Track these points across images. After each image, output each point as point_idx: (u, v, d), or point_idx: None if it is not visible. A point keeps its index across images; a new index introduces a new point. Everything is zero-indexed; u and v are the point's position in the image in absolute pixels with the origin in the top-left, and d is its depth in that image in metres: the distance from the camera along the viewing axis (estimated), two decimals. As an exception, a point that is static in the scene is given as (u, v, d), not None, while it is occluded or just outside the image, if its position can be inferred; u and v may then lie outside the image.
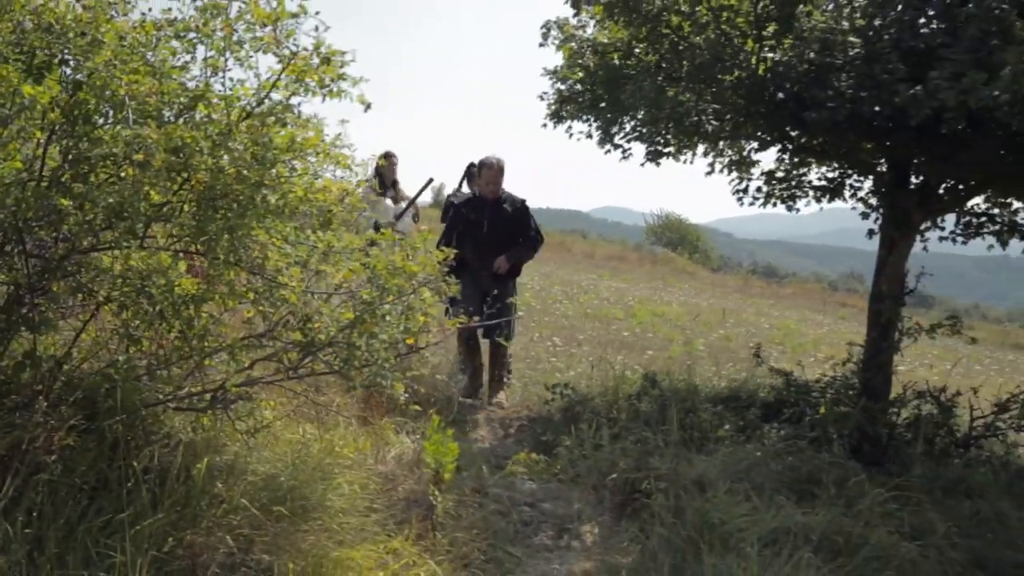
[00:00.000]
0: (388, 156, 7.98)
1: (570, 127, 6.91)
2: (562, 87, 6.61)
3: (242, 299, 3.78)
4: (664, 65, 5.81)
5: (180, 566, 3.21)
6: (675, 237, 42.16)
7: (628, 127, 6.31)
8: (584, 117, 6.50)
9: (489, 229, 6.92)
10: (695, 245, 42.31)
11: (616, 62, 6.11)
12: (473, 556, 3.77)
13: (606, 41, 6.17)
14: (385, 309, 3.37)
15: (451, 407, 5.92)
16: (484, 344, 7.32)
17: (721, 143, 6.41)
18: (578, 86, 6.40)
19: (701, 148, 6.45)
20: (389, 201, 8.32)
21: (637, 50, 6.04)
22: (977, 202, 6.23)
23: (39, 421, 3.43)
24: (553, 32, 6.56)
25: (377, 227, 6.63)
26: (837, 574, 3.86)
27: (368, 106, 3.62)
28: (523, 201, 7.13)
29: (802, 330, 17.47)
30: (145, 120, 3.08)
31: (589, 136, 6.62)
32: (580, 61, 6.32)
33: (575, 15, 6.24)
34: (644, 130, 6.20)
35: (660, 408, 6.21)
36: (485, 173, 6.99)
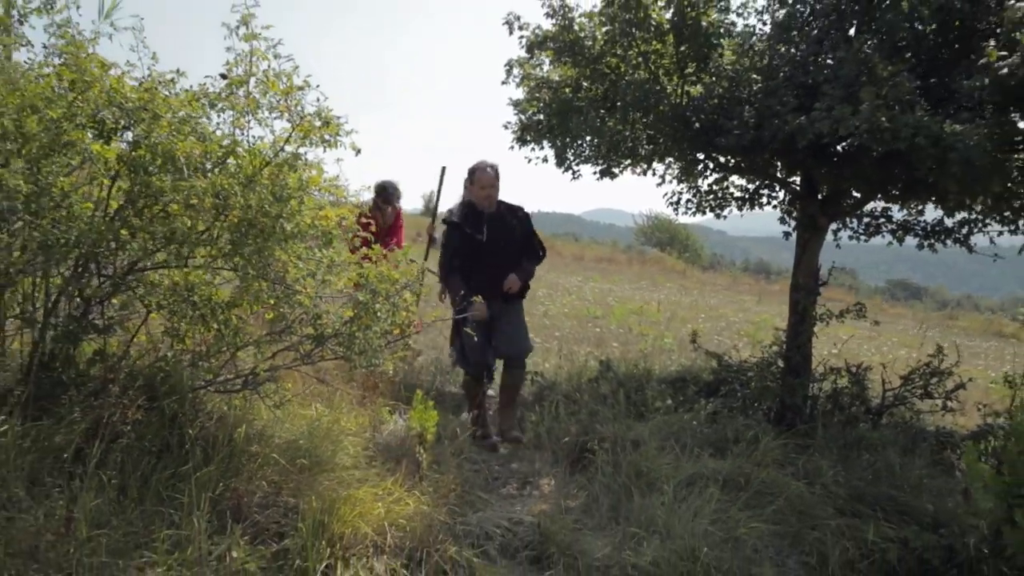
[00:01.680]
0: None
1: (533, 149, 7.96)
2: (523, 117, 7.67)
3: (265, 304, 4.88)
4: (605, 99, 6.90)
5: (229, 505, 4.28)
6: (665, 237, 42.93)
7: (578, 152, 7.38)
8: (542, 143, 7.56)
9: (491, 244, 6.28)
10: (685, 244, 43.21)
11: (567, 95, 7.20)
12: (451, 497, 4.83)
13: (558, 79, 7.25)
14: (377, 308, 4.45)
15: (437, 392, 7.03)
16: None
17: (655, 163, 7.49)
18: (537, 116, 7.47)
19: (640, 167, 7.54)
20: None
21: (585, 84, 7.12)
22: (875, 206, 7.35)
23: (112, 402, 4.51)
24: (515, 70, 7.65)
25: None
26: (734, 503, 4.97)
27: (358, 151, 4.71)
28: (523, 210, 6.54)
29: (775, 323, 18.52)
30: (193, 172, 4.17)
31: (546, 160, 7.68)
32: (537, 95, 7.41)
33: (530, 58, 7.34)
34: (591, 153, 7.26)
35: (615, 388, 7.33)
36: (480, 178, 6.31)
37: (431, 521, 4.43)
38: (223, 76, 4.36)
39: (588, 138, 7.02)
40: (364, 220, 5.06)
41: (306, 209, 4.51)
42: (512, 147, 8.17)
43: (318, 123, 4.33)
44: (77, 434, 4.24)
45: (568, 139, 7.15)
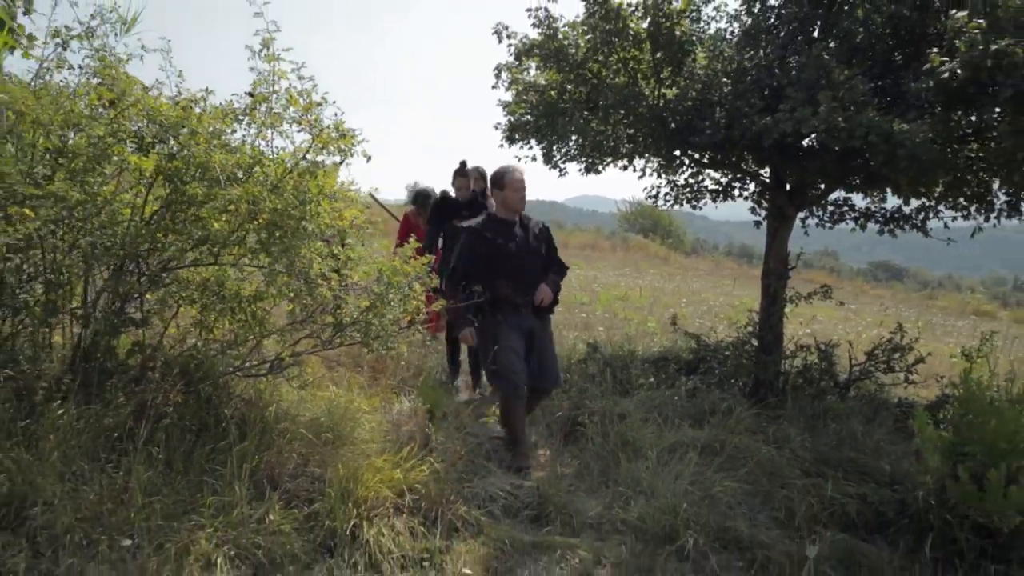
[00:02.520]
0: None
1: (521, 147, 8.52)
2: (512, 118, 8.21)
3: (285, 296, 5.42)
4: (588, 101, 7.47)
5: (264, 475, 4.83)
6: (648, 223, 43.27)
7: (564, 150, 7.93)
8: (530, 143, 8.11)
9: (522, 255, 6.04)
10: (668, 230, 43.69)
11: (553, 98, 7.74)
12: (458, 466, 5.39)
13: (544, 83, 7.81)
14: (390, 298, 5.01)
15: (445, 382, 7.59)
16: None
17: (635, 159, 8.06)
18: (525, 117, 8.01)
19: (621, 163, 8.11)
20: None
21: (569, 87, 7.67)
22: (839, 196, 7.97)
23: (154, 387, 5.05)
24: (503, 75, 8.19)
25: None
26: (710, 466, 5.56)
27: (369, 158, 5.27)
28: (544, 224, 6.32)
29: (753, 305, 19.10)
30: (227, 181, 4.72)
31: (535, 159, 8.23)
32: (525, 98, 7.95)
33: (518, 64, 7.89)
34: (576, 152, 7.82)
35: (602, 368, 7.92)
36: (511, 182, 6.04)
37: (442, 486, 4.99)
38: (250, 95, 4.90)
39: (574, 138, 7.57)
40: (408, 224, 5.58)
41: (323, 211, 5.06)
42: (502, 145, 8.71)
43: (335, 135, 4.88)
44: (125, 416, 4.77)
45: (555, 138, 7.69)
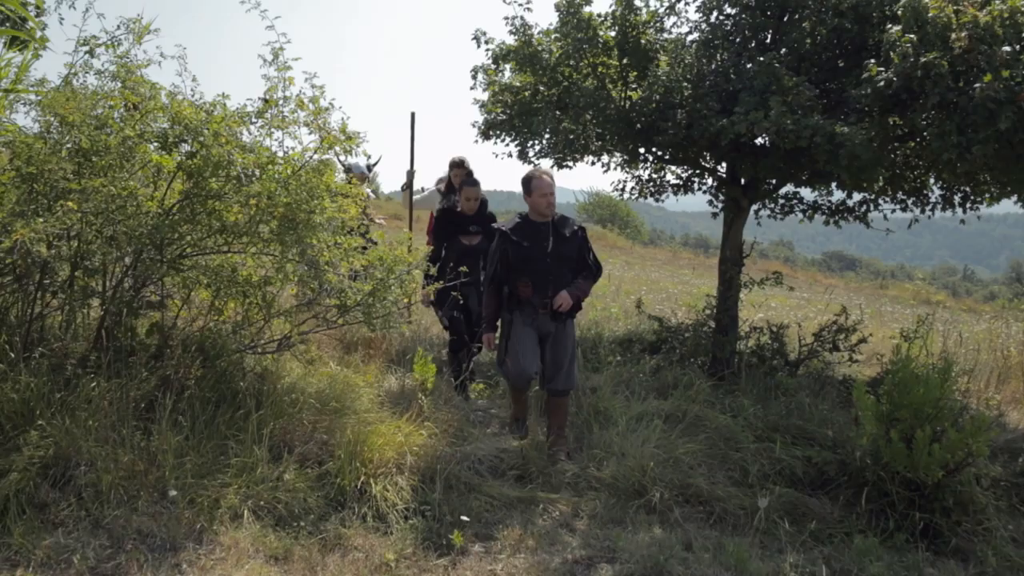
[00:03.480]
0: (460, 164, 8.48)
1: (496, 143, 9.05)
2: (488, 116, 8.77)
3: (289, 280, 5.97)
4: (560, 101, 8.09)
5: (278, 440, 5.39)
6: (606, 214, 43.89)
7: (538, 147, 8.51)
8: (506, 140, 8.68)
9: (550, 259, 6.03)
10: (626, 220, 44.33)
11: (527, 99, 8.32)
12: (450, 432, 5.97)
13: (519, 84, 8.40)
14: (391, 282, 5.61)
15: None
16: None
17: (604, 156, 8.68)
18: (500, 117, 8.57)
19: (590, 159, 8.72)
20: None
21: (541, 88, 8.27)
22: (788, 189, 8.69)
23: (175, 363, 5.60)
24: (480, 76, 8.76)
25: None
26: (673, 432, 6.22)
27: (369, 158, 5.87)
28: (580, 225, 6.29)
29: (711, 291, 19.86)
30: (246, 177, 5.27)
31: (510, 155, 8.79)
32: (500, 98, 8.54)
33: (495, 67, 8.48)
34: (548, 148, 8.40)
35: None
36: (539, 186, 6.04)
37: (437, 449, 5.60)
38: (265, 100, 5.46)
39: (547, 136, 8.16)
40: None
41: (327, 205, 5.63)
42: (476, 141, 9.28)
43: (342, 137, 5.45)
44: (150, 389, 5.31)
45: (528, 135, 8.27)
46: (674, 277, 23.19)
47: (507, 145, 8.62)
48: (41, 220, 4.74)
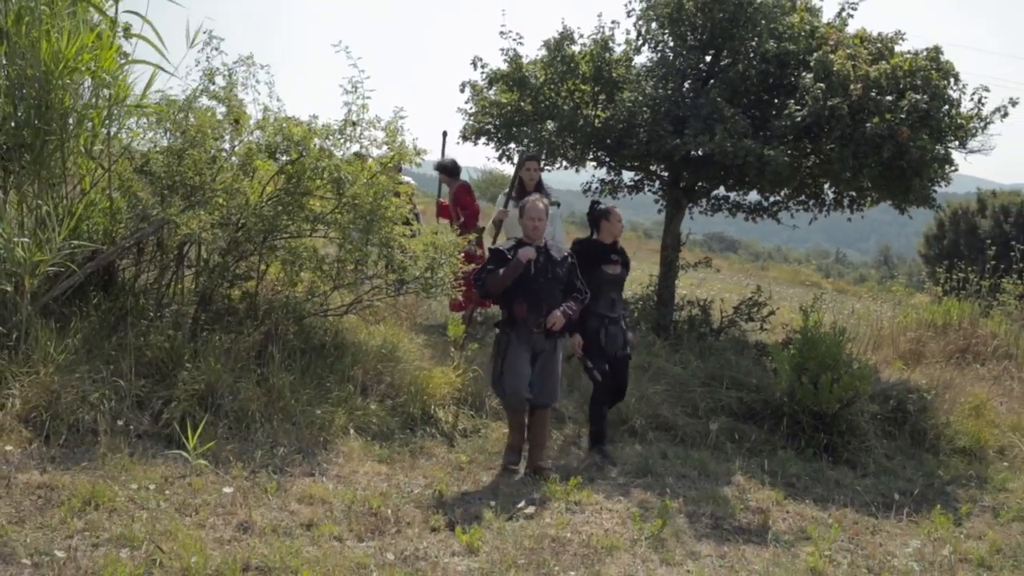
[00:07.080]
0: (534, 158, 8.90)
1: (476, 145, 10.70)
2: (474, 123, 10.43)
3: (355, 259, 7.55)
4: (541, 115, 9.88)
5: (359, 380, 6.98)
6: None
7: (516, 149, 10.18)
8: (489, 144, 10.34)
9: (542, 280, 6.32)
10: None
11: (510, 113, 10.03)
12: (478, 374, 7.70)
13: (504, 101, 10.12)
14: (443, 261, 7.32)
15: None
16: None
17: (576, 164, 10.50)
18: (486, 126, 10.25)
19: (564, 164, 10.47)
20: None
21: (523, 105, 10.01)
22: (718, 192, 10.73)
23: (273, 322, 7.17)
24: (467, 90, 10.45)
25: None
26: (643, 378, 8.15)
27: (419, 164, 7.59)
28: (571, 252, 6.69)
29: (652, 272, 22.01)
30: (344, 183, 6.90)
31: (488, 159, 10.47)
32: (488, 111, 10.24)
33: (489, 88, 10.21)
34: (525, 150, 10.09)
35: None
36: (528, 210, 6.43)
37: (474, 387, 7.39)
38: (353, 124, 7.10)
39: (526, 143, 9.86)
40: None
41: (394, 202, 7.27)
42: (457, 143, 10.90)
43: (411, 149, 7.12)
44: (255, 342, 6.90)
45: (509, 141, 10.02)
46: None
47: (490, 147, 10.27)
48: (203, 213, 6.36)
